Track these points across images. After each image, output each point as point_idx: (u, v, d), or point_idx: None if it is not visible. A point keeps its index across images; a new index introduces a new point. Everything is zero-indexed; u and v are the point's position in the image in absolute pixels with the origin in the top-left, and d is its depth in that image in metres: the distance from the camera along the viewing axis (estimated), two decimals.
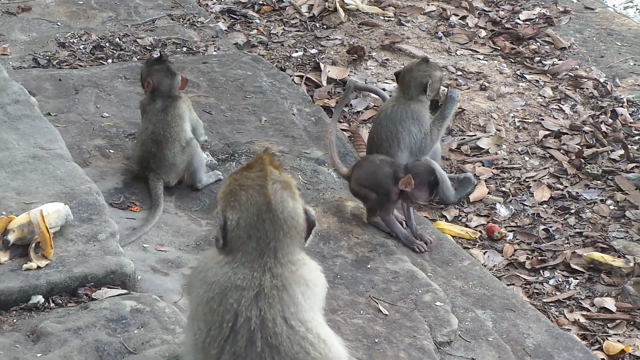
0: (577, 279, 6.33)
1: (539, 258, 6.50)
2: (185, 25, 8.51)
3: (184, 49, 8.13)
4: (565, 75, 8.36)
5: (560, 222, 6.82)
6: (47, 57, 7.74)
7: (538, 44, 8.79)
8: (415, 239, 6.08)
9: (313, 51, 8.54)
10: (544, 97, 8.07)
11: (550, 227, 6.77)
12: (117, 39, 8.11)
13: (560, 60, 8.57)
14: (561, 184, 7.19)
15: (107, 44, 8.03)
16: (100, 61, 7.80)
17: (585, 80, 8.27)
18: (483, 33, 8.92)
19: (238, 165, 6.45)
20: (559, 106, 7.98)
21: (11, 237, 4.64)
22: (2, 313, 4.41)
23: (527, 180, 7.23)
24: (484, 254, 6.56)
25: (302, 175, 6.45)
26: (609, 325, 5.98)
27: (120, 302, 4.48)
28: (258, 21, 9.05)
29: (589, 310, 6.09)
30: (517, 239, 6.71)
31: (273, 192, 3.42)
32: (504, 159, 7.45)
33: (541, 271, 6.42)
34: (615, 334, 5.90)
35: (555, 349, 5.37)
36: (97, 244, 4.83)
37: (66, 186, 5.24)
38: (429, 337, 5.14)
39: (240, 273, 3.38)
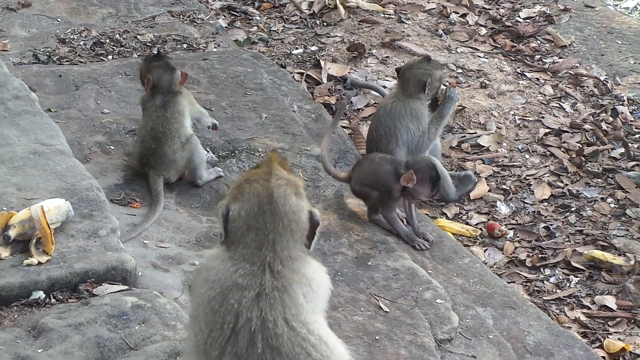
0: (577, 276, 6.33)
1: (540, 256, 6.50)
2: (185, 21, 8.50)
3: (184, 45, 8.12)
4: (565, 73, 8.35)
5: (560, 220, 6.82)
6: (48, 53, 7.73)
7: (538, 42, 8.79)
8: (417, 237, 6.08)
9: (313, 48, 8.53)
10: (545, 95, 8.07)
11: (551, 225, 6.77)
12: (117, 36, 8.10)
13: (560, 58, 8.56)
14: (562, 182, 7.18)
15: (107, 40, 8.02)
16: (101, 57, 7.80)
17: (586, 78, 8.27)
18: (483, 31, 8.91)
19: (238, 162, 6.44)
20: (559, 104, 7.98)
21: (12, 233, 4.63)
22: (3, 309, 4.41)
23: (527, 178, 7.23)
24: (485, 251, 6.56)
25: (303, 172, 6.45)
26: (609, 323, 5.98)
27: (121, 298, 4.48)
28: (258, 18, 9.05)
29: (589, 308, 6.09)
30: (517, 237, 6.71)
31: (276, 186, 3.41)
32: (505, 156, 7.45)
33: (542, 269, 6.41)
34: (615, 332, 5.91)
35: (555, 347, 5.37)
36: (98, 240, 4.82)
37: (67, 182, 5.23)
38: (430, 334, 5.14)
39: (240, 268, 3.37)
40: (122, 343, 4.19)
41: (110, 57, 7.82)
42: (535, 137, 7.61)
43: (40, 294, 4.48)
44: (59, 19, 8.26)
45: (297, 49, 8.54)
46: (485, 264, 6.31)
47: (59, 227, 4.81)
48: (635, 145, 7.46)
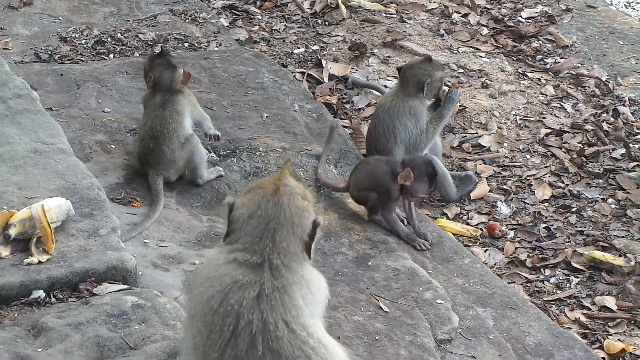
0: (577, 277, 6.33)
1: (540, 256, 6.50)
2: (187, 20, 8.51)
3: (186, 44, 8.12)
4: (567, 73, 8.35)
5: (561, 221, 6.82)
6: (49, 52, 7.74)
7: (540, 42, 8.78)
8: (417, 237, 6.08)
9: (315, 48, 8.53)
10: (546, 95, 8.07)
11: (551, 225, 6.77)
12: (119, 34, 8.10)
13: (562, 58, 8.56)
14: (562, 182, 7.18)
15: (109, 39, 8.03)
16: (102, 56, 7.80)
17: (587, 78, 8.27)
18: (485, 31, 8.91)
19: (239, 161, 6.44)
20: (560, 104, 7.97)
21: (12, 232, 4.63)
22: (3, 308, 4.41)
23: (528, 178, 7.23)
24: (485, 251, 6.56)
25: (304, 171, 6.45)
26: (609, 324, 5.98)
27: (121, 298, 4.48)
28: (260, 17, 9.05)
29: (589, 309, 6.09)
30: (518, 237, 6.71)
31: (283, 185, 3.45)
32: (506, 156, 7.45)
33: (542, 269, 6.41)
34: (615, 333, 5.91)
35: (555, 348, 5.37)
36: (99, 239, 4.82)
37: (67, 181, 5.23)
38: (430, 334, 5.14)
39: (240, 260, 3.35)
40: (122, 342, 4.19)
41: (111, 55, 7.82)
42: (536, 138, 7.61)
43: (41, 293, 4.48)
44: (60, 18, 8.27)
45: (298, 48, 8.53)
46: (486, 264, 6.31)
47: (60, 226, 4.81)
48: (637, 146, 7.45)
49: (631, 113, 7.86)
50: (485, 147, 7.54)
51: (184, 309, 4.46)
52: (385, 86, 7.89)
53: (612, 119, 7.76)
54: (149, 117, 6.18)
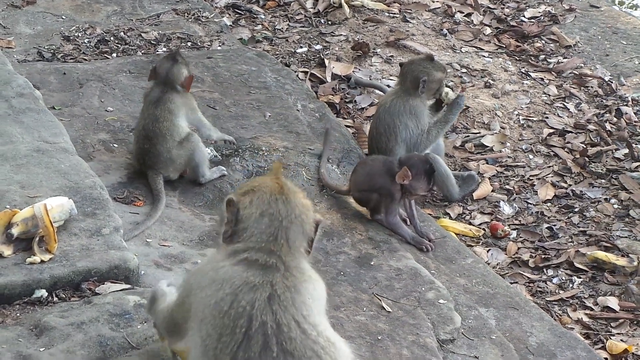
0: (580, 277, 6.33)
1: (543, 256, 6.50)
2: (190, 19, 8.51)
3: (189, 43, 8.12)
4: (570, 73, 8.34)
5: (564, 221, 6.82)
6: (52, 51, 7.74)
7: (543, 41, 8.78)
8: (422, 238, 6.06)
9: (318, 47, 8.53)
10: (549, 95, 8.06)
11: (554, 225, 6.76)
12: (122, 33, 8.10)
13: (565, 58, 8.55)
14: (565, 182, 7.18)
15: (112, 38, 8.03)
16: (105, 55, 7.80)
17: (590, 78, 8.26)
18: (488, 30, 8.90)
19: (242, 160, 6.44)
20: (563, 104, 7.97)
21: (15, 231, 4.63)
22: (6, 307, 4.42)
23: (531, 178, 7.23)
24: (488, 251, 6.56)
25: (306, 171, 6.45)
26: (612, 324, 5.98)
27: (123, 297, 4.48)
28: (263, 16, 9.04)
29: (592, 309, 6.08)
30: (520, 237, 6.71)
31: (284, 183, 3.44)
32: (508, 156, 7.45)
33: (544, 269, 6.41)
34: (618, 333, 5.90)
35: (558, 348, 5.36)
36: (101, 238, 4.82)
37: (70, 180, 5.23)
38: (432, 334, 5.14)
39: (251, 259, 3.32)
40: (124, 342, 4.19)
41: (114, 54, 7.82)
42: (539, 137, 7.60)
43: (43, 293, 4.49)
44: (63, 17, 8.27)
45: (301, 47, 8.53)
46: (488, 264, 6.31)
47: (62, 226, 4.81)
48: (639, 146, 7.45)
49: (634, 113, 7.85)
50: (488, 147, 7.53)
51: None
52: (388, 85, 7.89)
53: (615, 119, 7.75)
54: (142, 116, 6.16)
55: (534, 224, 6.81)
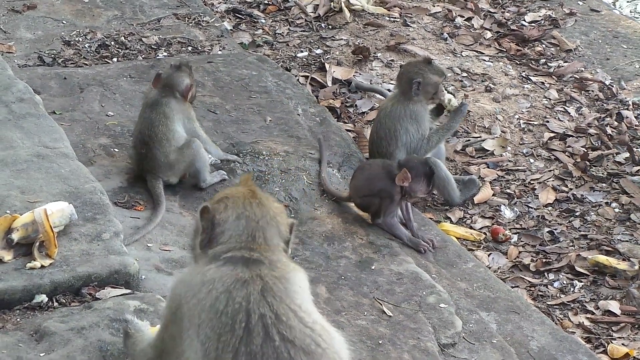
0: (581, 281, 6.32)
1: (544, 260, 6.50)
2: (190, 24, 8.51)
3: (189, 48, 8.12)
4: (570, 77, 8.34)
5: (565, 225, 6.81)
6: (52, 56, 7.74)
7: (543, 45, 8.78)
8: (420, 240, 6.07)
9: (318, 51, 8.53)
10: (549, 99, 8.06)
11: (555, 229, 6.76)
12: (123, 38, 8.10)
13: (565, 62, 8.55)
14: (566, 186, 7.17)
15: (113, 43, 8.03)
16: (106, 60, 7.80)
17: (591, 82, 8.26)
18: (488, 34, 8.90)
19: (243, 165, 6.44)
20: (564, 108, 7.96)
21: (15, 236, 4.63)
22: (6, 312, 4.40)
23: (532, 182, 7.22)
24: (489, 255, 6.55)
25: (307, 175, 6.44)
26: (613, 328, 5.97)
27: (124, 302, 4.47)
28: (263, 21, 9.05)
29: (593, 313, 6.08)
30: (521, 241, 6.71)
31: (256, 189, 3.55)
32: (509, 160, 7.44)
33: (546, 274, 6.41)
34: (619, 337, 5.89)
35: (559, 352, 5.36)
36: (101, 243, 4.82)
37: (70, 185, 5.23)
38: (433, 338, 5.13)
39: (235, 257, 3.38)
40: (124, 347, 4.18)
41: (115, 59, 7.82)
42: (539, 141, 7.60)
43: (43, 298, 4.48)
44: (64, 21, 8.27)
45: (302, 52, 8.54)
46: (489, 268, 6.31)
47: (62, 231, 4.80)
48: None
49: (635, 117, 7.85)
50: (488, 151, 7.53)
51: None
52: (389, 90, 7.89)
53: (615, 123, 7.75)
54: (139, 120, 6.16)
55: (535, 228, 6.81)
